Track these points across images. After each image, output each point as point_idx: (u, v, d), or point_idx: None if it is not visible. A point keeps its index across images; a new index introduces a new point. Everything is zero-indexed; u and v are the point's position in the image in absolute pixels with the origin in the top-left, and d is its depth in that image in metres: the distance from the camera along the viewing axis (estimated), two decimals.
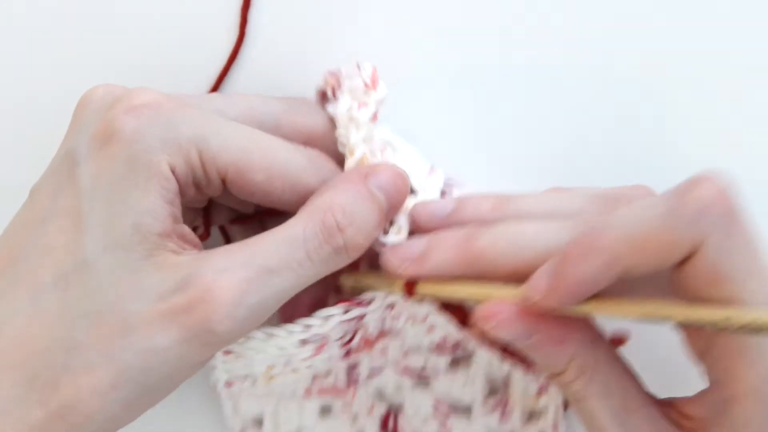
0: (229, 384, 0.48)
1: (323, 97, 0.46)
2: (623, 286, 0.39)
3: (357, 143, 0.43)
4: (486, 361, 0.50)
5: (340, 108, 0.43)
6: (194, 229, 0.47)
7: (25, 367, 0.37)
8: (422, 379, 0.51)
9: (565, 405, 0.51)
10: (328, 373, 0.50)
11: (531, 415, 0.51)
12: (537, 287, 0.39)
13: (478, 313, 0.40)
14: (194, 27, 0.50)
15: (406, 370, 0.50)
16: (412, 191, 0.44)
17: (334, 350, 0.45)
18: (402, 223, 0.43)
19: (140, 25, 0.50)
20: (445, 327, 0.45)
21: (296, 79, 0.49)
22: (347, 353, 0.46)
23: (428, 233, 0.43)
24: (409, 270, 0.42)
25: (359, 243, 0.40)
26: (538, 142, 0.50)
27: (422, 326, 0.46)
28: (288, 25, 0.50)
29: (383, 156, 0.44)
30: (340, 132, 0.43)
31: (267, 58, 0.50)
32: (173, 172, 0.39)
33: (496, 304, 0.40)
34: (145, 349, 0.37)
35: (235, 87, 0.50)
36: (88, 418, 0.36)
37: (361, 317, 0.44)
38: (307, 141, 0.43)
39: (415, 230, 0.43)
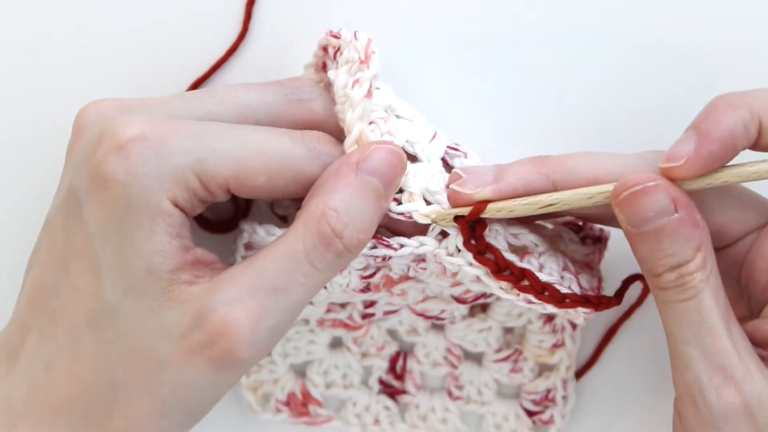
0: None
1: (324, 52, 0.45)
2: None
3: (353, 122, 0.42)
4: (505, 311, 0.50)
5: (337, 83, 0.43)
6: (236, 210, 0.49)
7: (78, 402, 0.39)
8: (439, 321, 0.50)
9: (577, 374, 0.51)
10: (344, 306, 0.49)
11: (542, 370, 0.51)
12: (681, 152, 0.39)
13: (629, 180, 0.40)
14: (200, 20, 0.49)
15: (423, 314, 0.50)
16: (416, 158, 0.44)
17: (354, 280, 0.44)
18: (413, 188, 0.42)
19: (148, 16, 0.49)
20: (474, 283, 0.44)
21: (293, 72, 0.48)
22: (366, 287, 0.45)
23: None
24: (485, 191, 0.42)
25: (360, 240, 0.40)
26: (540, 105, 0.50)
27: (448, 280, 0.45)
28: (291, 21, 0.49)
29: (386, 125, 0.43)
30: (338, 108, 0.43)
31: (267, 52, 0.50)
32: (176, 203, 0.39)
33: (642, 173, 0.40)
34: (180, 382, 0.39)
35: (233, 77, 0.50)
36: None
37: (387, 258, 0.43)
38: (307, 126, 0.43)
39: (455, 203, 0.42)
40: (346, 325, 0.50)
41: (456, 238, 0.42)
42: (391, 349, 0.52)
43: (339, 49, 0.44)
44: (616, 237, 0.47)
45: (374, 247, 0.42)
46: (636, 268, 0.42)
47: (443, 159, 0.45)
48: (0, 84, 0.50)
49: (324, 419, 0.52)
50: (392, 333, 0.52)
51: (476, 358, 0.52)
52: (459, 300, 0.48)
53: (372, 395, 0.52)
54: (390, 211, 0.42)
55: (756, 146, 0.40)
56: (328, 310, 0.49)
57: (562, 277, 0.43)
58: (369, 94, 0.42)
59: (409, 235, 0.43)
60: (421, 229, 0.43)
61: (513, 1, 0.49)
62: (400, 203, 0.42)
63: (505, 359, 0.51)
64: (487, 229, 0.42)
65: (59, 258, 0.40)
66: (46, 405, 0.40)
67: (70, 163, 0.41)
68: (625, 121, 0.50)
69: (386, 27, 0.49)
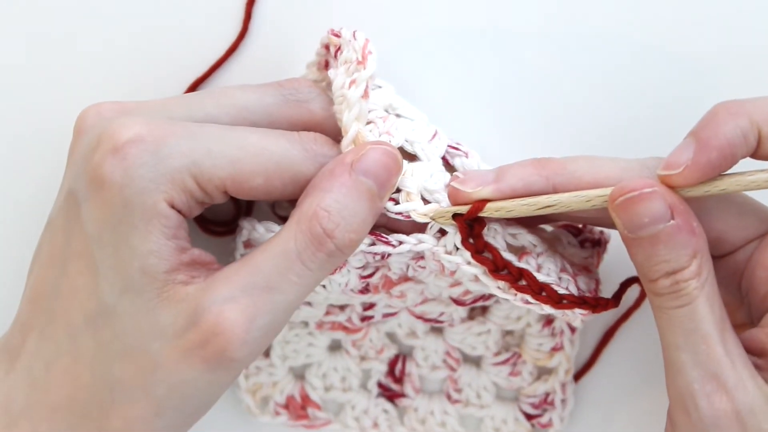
0: None
1: (327, 50, 0.45)
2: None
3: (349, 122, 0.42)
4: (504, 314, 0.50)
5: (335, 84, 0.43)
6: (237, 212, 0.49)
7: (77, 401, 0.40)
8: (438, 324, 0.50)
9: (576, 377, 0.51)
10: (343, 309, 0.49)
11: (541, 373, 0.51)
12: (680, 160, 0.39)
13: (625, 186, 0.39)
14: (200, 19, 0.50)
15: (422, 316, 0.50)
16: (416, 157, 0.44)
17: (353, 279, 0.44)
18: (410, 187, 0.42)
19: (148, 16, 0.49)
20: (472, 282, 0.44)
21: (293, 72, 0.48)
22: (365, 288, 0.45)
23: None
24: (485, 190, 0.42)
25: (352, 240, 0.40)
26: (540, 104, 0.50)
27: (447, 280, 0.45)
28: (291, 21, 0.50)
29: (385, 125, 0.43)
30: (336, 109, 0.43)
31: (267, 52, 0.50)
32: (172, 205, 0.39)
33: (639, 179, 0.40)
34: (176, 382, 0.39)
35: (232, 78, 0.50)
36: None
37: (385, 256, 0.43)
38: (305, 127, 0.43)
39: (455, 201, 0.42)
40: (345, 328, 0.50)
41: (454, 236, 0.42)
42: (390, 352, 0.52)
43: (339, 48, 0.44)
44: (615, 240, 0.47)
45: (373, 244, 0.42)
46: (634, 271, 0.42)
47: (444, 158, 0.45)
48: (1, 85, 0.50)
49: (323, 422, 0.52)
50: (391, 336, 0.52)
51: (475, 362, 0.52)
52: (458, 302, 0.48)
53: (371, 398, 0.52)
54: (387, 210, 0.42)
55: (756, 155, 0.40)
56: (327, 313, 0.49)
57: (559, 278, 0.43)
58: (365, 94, 0.42)
59: (408, 234, 0.43)
60: (420, 229, 0.43)
61: (511, 1, 0.49)
62: (398, 203, 0.42)
63: (504, 362, 0.51)
64: (485, 228, 0.42)
65: (59, 258, 0.40)
66: (45, 404, 0.40)
67: (70, 165, 0.41)
68: (625, 119, 0.50)
69: (387, 26, 0.50)
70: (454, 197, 0.42)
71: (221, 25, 0.49)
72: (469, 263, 0.43)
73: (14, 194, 0.50)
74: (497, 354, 0.51)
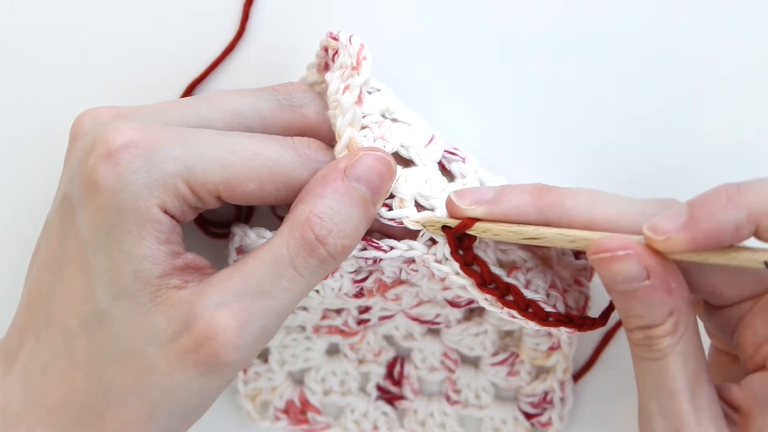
0: None
1: (326, 53, 0.46)
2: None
3: (343, 128, 0.42)
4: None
5: (330, 89, 0.43)
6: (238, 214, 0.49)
7: (73, 404, 0.40)
8: (434, 326, 0.50)
9: (575, 376, 0.51)
10: (339, 312, 0.49)
11: (539, 372, 0.51)
12: (666, 229, 0.38)
13: (600, 245, 0.39)
14: (197, 20, 0.50)
15: (418, 318, 0.50)
16: (411, 163, 0.44)
17: (347, 283, 0.44)
18: (403, 194, 0.42)
19: (145, 16, 0.49)
20: (462, 290, 0.44)
21: (289, 73, 0.49)
22: (359, 292, 0.45)
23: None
24: (479, 210, 0.41)
25: (344, 246, 0.40)
26: (538, 108, 0.50)
27: (439, 284, 0.45)
28: (288, 22, 0.50)
29: (380, 130, 0.43)
30: (330, 114, 0.43)
31: (265, 52, 0.50)
32: (165, 210, 0.39)
33: (622, 238, 0.39)
34: (169, 386, 0.39)
35: (230, 79, 0.50)
36: None
37: (377, 260, 0.43)
38: (299, 132, 0.43)
39: (450, 213, 0.42)
40: (341, 332, 0.50)
41: (444, 247, 0.42)
42: (388, 354, 0.52)
43: (337, 51, 0.44)
44: None
45: (364, 248, 0.43)
46: None
47: (440, 163, 0.45)
48: None
49: (323, 426, 0.52)
50: (388, 338, 0.52)
51: (473, 362, 0.52)
52: (453, 304, 0.48)
53: (370, 401, 0.52)
54: (381, 216, 0.42)
55: (754, 237, 0.39)
56: (324, 317, 0.50)
57: (548, 295, 0.43)
58: (359, 100, 0.42)
59: (401, 239, 0.43)
60: (413, 234, 0.43)
61: (514, 5, 0.49)
62: (391, 209, 0.42)
63: (502, 362, 0.51)
64: (477, 241, 0.42)
65: (55, 262, 0.41)
66: (42, 406, 0.40)
67: (66, 169, 0.42)
68: (624, 121, 0.50)
69: (385, 28, 0.49)
70: (450, 209, 0.42)
71: (218, 26, 0.49)
72: (457, 274, 0.43)
73: (13, 196, 0.50)
74: (495, 354, 0.51)
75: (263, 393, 0.52)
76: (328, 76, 0.44)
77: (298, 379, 0.52)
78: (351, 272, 0.44)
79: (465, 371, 0.51)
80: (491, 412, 0.51)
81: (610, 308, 0.45)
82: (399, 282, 0.46)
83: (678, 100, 0.49)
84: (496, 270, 0.43)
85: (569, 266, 0.47)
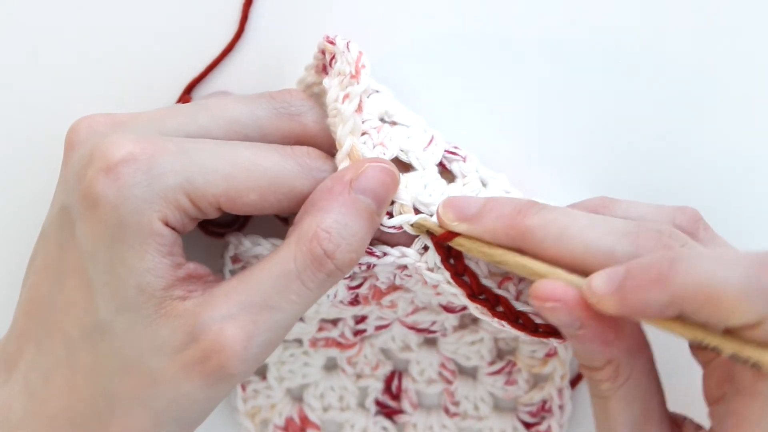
0: None
1: (323, 55, 0.46)
2: None
3: (343, 136, 0.42)
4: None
5: (329, 96, 0.44)
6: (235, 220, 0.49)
7: (76, 413, 0.40)
8: (430, 334, 0.50)
9: (573, 382, 0.51)
10: (335, 324, 0.50)
11: (537, 380, 0.51)
12: (598, 290, 0.38)
13: (535, 291, 0.39)
14: (197, 20, 0.50)
15: (414, 326, 0.50)
16: (411, 167, 0.44)
17: (341, 290, 0.45)
18: (404, 200, 0.43)
19: (144, 15, 0.50)
20: (452, 297, 0.44)
21: (288, 74, 0.49)
22: (355, 299, 0.46)
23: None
24: (460, 227, 0.42)
25: (351, 260, 0.40)
26: (538, 109, 0.50)
27: (431, 290, 0.46)
28: (287, 23, 0.50)
29: (379, 136, 0.44)
30: (330, 121, 0.44)
31: (264, 53, 0.50)
32: (166, 223, 0.39)
33: (556, 288, 0.39)
34: (175, 396, 0.39)
35: (229, 79, 0.50)
36: None
37: (371, 266, 0.43)
38: (298, 141, 0.43)
39: (438, 222, 0.42)
40: (338, 344, 0.50)
41: (435, 255, 0.43)
42: (386, 368, 0.52)
43: (334, 56, 0.44)
44: None
45: None
46: None
47: (441, 163, 0.45)
48: None
49: None
50: (385, 352, 0.52)
51: (470, 373, 0.52)
52: (448, 309, 0.48)
53: (369, 417, 0.52)
54: (382, 225, 0.43)
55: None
56: (320, 329, 0.50)
57: None
58: (359, 109, 0.43)
59: (400, 245, 0.43)
60: (408, 241, 0.43)
61: (513, 6, 0.49)
62: (391, 215, 0.43)
63: (499, 372, 0.51)
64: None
65: (54, 271, 0.41)
66: (44, 415, 0.40)
67: (63, 179, 0.42)
68: (626, 123, 0.50)
69: (383, 30, 0.49)
70: (438, 218, 0.42)
71: (218, 26, 0.50)
72: (448, 283, 0.43)
73: (9, 199, 0.50)
74: (492, 363, 0.51)
75: (262, 411, 0.52)
76: (326, 81, 0.44)
77: (296, 395, 0.52)
78: (346, 278, 0.44)
79: (463, 382, 0.52)
80: (490, 423, 0.51)
81: None
82: (394, 288, 0.46)
83: (680, 101, 0.49)
84: (487, 282, 0.43)
85: None
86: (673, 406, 0.44)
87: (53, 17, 0.50)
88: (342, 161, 0.42)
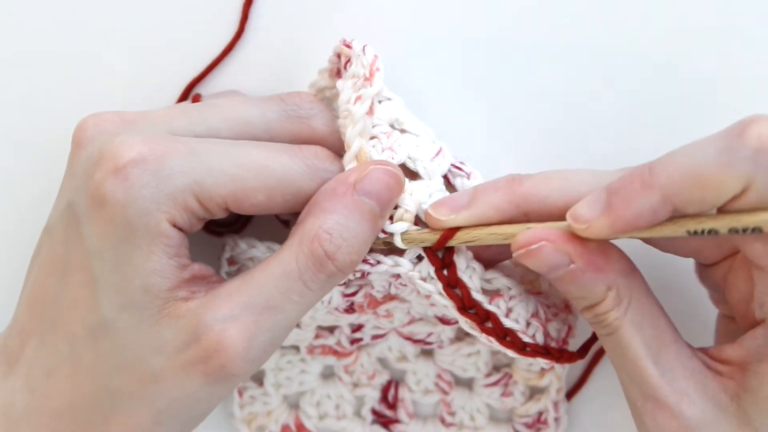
0: None
1: (339, 59, 0.46)
2: None
3: (352, 138, 0.42)
4: None
5: (341, 98, 0.44)
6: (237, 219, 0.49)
7: (78, 409, 0.41)
8: (427, 346, 0.51)
9: (568, 395, 0.51)
10: (332, 331, 0.50)
11: (533, 392, 0.51)
12: (584, 216, 0.39)
13: (518, 242, 0.40)
14: (197, 20, 0.50)
15: (411, 337, 0.50)
16: (418, 175, 0.44)
17: (336, 297, 0.45)
18: (408, 205, 0.42)
19: (145, 15, 0.50)
20: (444, 309, 0.45)
21: (288, 73, 0.50)
22: (350, 307, 0.46)
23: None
24: (458, 218, 0.42)
25: (352, 261, 0.41)
26: (541, 116, 0.50)
27: (426, 300, 0.46)
28: (288, 22, 0.50)
29: (388, 140, 0.44)
30: (340, 123, 0.44)
31: (263, 54, 0.50)
32: (174, 224, 0.40)
33: (537, 231, 0.40)
34: (176, 395, 0.40)
35: (229, 79, 0.50)
36: None
37: (365, 274, 0.44)
38: (306, 143, 0.43)
39: (431, 226, 0.42)
40: (335, 352, 0.51)
41: (429, 265, 0.43)
42: (383, 378, 0.52)
43: (349, 59, 0.45)
44: None
45: None
46: None
47: (446, 177, 0.45)
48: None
49: None
50: (382, 361, 0.52)
51: (467, 384, 0.52)
52: (443, 321, 0.48)
53: (365, 426, 0.52)
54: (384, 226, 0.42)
55: (678, 213, 0.39)
56: (317, 336, 0.50)
57: (528, 324, 0.43)
58: (371, 111, 0.43)
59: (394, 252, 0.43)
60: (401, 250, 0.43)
61: (517, 12, 0.50)
62: (392, 220, 0.42)
63: (496, 383, 0.51)
64: (464, 264, 0.43)
65: (59, 267, 0.41)
66: (46, 410, 0.41)
67: (70, 177, 0.42)
68: (626, 131, 0.50)
69: (387, 31, 0.50)
70: (430, 222, 0.42)
71: (218, 26, 0.50)
72: (440, 294, 0.43)
73: (14, 197, 0.51)
74: (488, 375, 0.51)
75: (259, 417, 0.52)
76: (339, 84, 0.44)
77: (293, 402, 0.52)
78: (340, 285, 0.44)
79: (459, 393, 0.52)
80: None
81: (590, 341, 0.45)
82: (390, 297, 0.46)
83: (682, 103, 0.50)
84: (478, 296, 0.43)
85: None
86: None
87: (54, 16, 0.50)
88: (350, 162, 0.42)
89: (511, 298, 0.44)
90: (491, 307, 0.43)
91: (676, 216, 0.38)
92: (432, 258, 0.42)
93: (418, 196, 0.43)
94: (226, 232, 0.48)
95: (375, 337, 0.50)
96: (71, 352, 0.41)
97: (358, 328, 0.50)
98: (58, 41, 0.50)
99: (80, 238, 0.40)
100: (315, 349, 0.50)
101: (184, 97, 0.50)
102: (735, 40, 0.49)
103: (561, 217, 0.40)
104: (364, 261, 0.43)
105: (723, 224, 0.38)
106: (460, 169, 0.45)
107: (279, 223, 0.49)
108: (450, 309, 0.43)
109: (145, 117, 0.42)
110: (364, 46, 0.44)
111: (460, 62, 0.50)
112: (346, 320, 0.48)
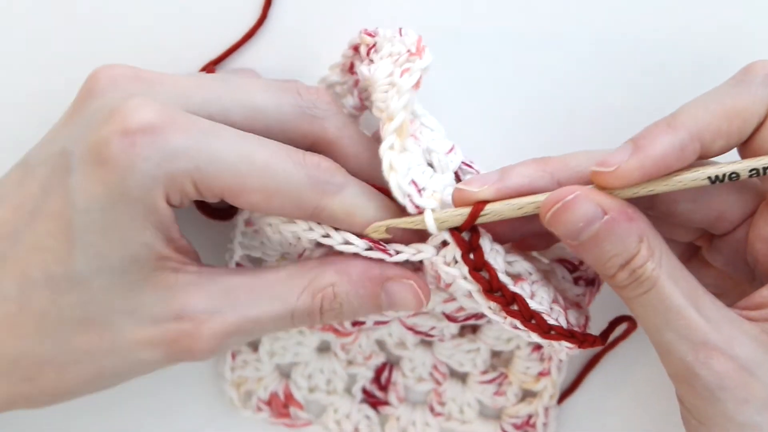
0: (238, 266, 0.47)
1: (355, 52, 0.45)
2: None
3: (397, 110, 0.41)
4: (495, 334, 0.50)
5: (379, 73, 0.43)
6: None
7: (8, 346, 0.40)
8: (428, 338, 0.50)
9: (559, 399, 0.51)
10: None
11: (525, 395, 0.51)
12: (614, 160, 0.39)
13: (550, 199, 0.40)
14: (223, 4, 0.50)
15: (413, 328, 0.50)
16: (432, 167, 0.44)
17: None
18: (436, 188, 0.42)
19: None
20: (466, 298, 0.44)
21: (305, 64, 0.49)
22: None
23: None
24: (490, 190, 0.41)
25: (334, 321, 0.43)
26: (544, 110, 0.50)
27: (441, 295, 0.45)
28: (310, 10, 0.50)
29: (412, 126, 0.43)
30: (378, 97, 0.42)
31: (282, 42, 0.50)
32: (168, 202, 0.40)
33: (567, 187, 0.40)
34: (130, 359, 0.41)
35: (250, 63, 0.50)
36: (64, 396, 0.42)
37: (381, 262, 0.43)
38: (315, 143, 0.43)
39: (459, 203, 0.42)
40: (336, 330, 0.50)
41: (455, 249, 0.42)
42: (378, 359, 0.52)
43: (374, 46, 0.44)
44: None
45: (369, 248, 0.42)
46: (624, 310, 0.43)
47: (456, 173, 0.45)
48: (17, 54, 0.50)
49: (303, 423, 0.52)
50: (381, 344, 0.52)
51: (461, 377, 0.52)
52: (450, 318, 0.48)
53: (354, 403, 0.52)
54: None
55: (704, 157, 0.41)
56: None
57: (551, 308, 0.43)
58: (417, 85, 0.42)
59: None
60: (422, 239, 0.43)
61: (518, 7, 0.50)
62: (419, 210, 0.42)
63: (490, 381, 0.51)
64: (488, 247, 0.42)
65: (28, 207, 0.40)
66: None
67: (71, 123, 0.41)
68: (631, 125, 0.48)
69: (405, 17, 0.50)
70: (459, 198, 0.42)
71: (242, 11, 0.49)
72: (465, 278, 0.42)
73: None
74: (484, 372, 0.51)
75: (248, 382, 0.52)
76: (363, 68, 0.43)
77: (285, 372, 0.52)
78: None
79: (452, 385, 0.51)
80: (473, 428, 0.52)
81: (610, 328, 0.46)
82: None
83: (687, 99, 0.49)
84: (504, 278, 0.42)
85: (568, 291, 0.47)
86: None
87: None
88: (390, 134, 0.41)
89: (533, 282, 0.44)
90: (516, 289, 0.42)
91: (696, 164, 0.40)
92: (459, 241, 0.42)
93: (435, 186, 0.42)
94: (224, 216, 0.48)
95: (378, 323, 0.49)
96: (20, 293, 0.40)
97: None
98: (80, 19, 0.49)
99: (65, 189, 0.39)
100: (315, 325, 0.50)
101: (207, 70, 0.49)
102: (741, 32, 0.50)
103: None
104: (383, 250, 0.42)
105: (743, 167, 0.39)
106: (470, 166, 0.45)
107: None
108: (475, 293, 0.42)
109: (161, 81, 0.41)
110: (400, 29, 0.43)
111: (465, 56, 0.50)
112: None
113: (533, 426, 0.51)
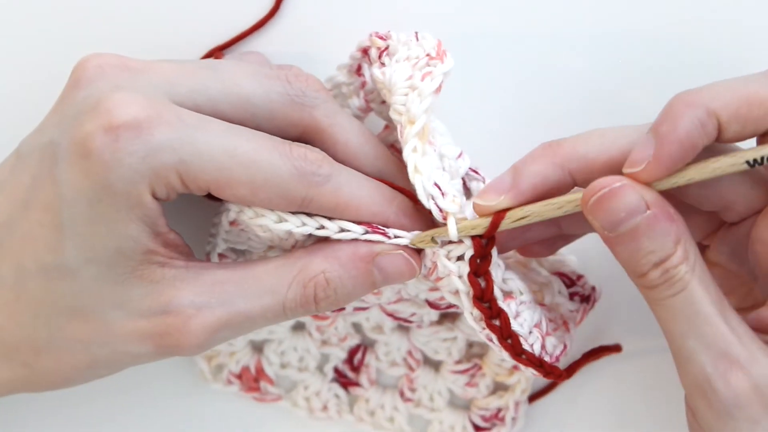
0: (221, 257, 0.46)
1: (364, 54, 0.44)
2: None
3: (419, 113, 0.41)
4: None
5: (397, 75, 0.42)
6: None
7: (6, 332, 0.41)
8: (407, 323, 0.50)
9: (530, 398, 0.51)
10: None
11: (497, 388, 0.51)
12: (639, 156, 0.39)
13: (594, 186, 0.39)
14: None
15: (393, 314, 0.49)
16: (444, 170, 0.43)
17: None
18: (456, 192, 0.41)
19: None
20: (450, 294, 0.43)
21: (318, 51, 0.49)
22: None
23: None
24: (508, 197, 0.41)
25: (330, 309, 0.43)
26: (542, 106, 0.50)
27: (428, 283, 0.45)
28: (320, 9, 0.49)
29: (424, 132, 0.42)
30: (397, 100, 0.42)
31: (292, 34, 0.50)
32: (154, 195, 0.39)
33: (607, 177, 0.39)
34: (120, 350, 0.41)
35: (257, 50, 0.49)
36: (62, 383, 0.43)
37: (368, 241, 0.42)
38: (305, 131, 0.43)
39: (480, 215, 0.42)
40: (314, 315, 0.49)
41: (467, 249, 0.41)
42: (353, 341, 0.51)
43: (386, 49, 0.43)
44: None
45: (366, 232, 0.42)
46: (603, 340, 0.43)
47: (462, 179, 0.44)
48: (20, 37, 0.50)
49: (273, 398, 0.52)
50: (357, 326, 0.51)
51: (435, 365, 0.51)
52: (433, 305, 0.47)
53: (325, 382, 0.52)
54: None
55: (719, 140, 0.40)
56: None
57: (530, 332, 0.43)
58: (439, 89, 0.41)
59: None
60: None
61: (518, 7, 0.49)
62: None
63: (464, 372, 0.51)
64: (494, 259, 0.42)
65: (21, 197, 0.40)
66: None
67: (59, 114, 0.40)
68: (630, 118, 0.48)
69: (416, 18, 0.49)
70: (479, 211, 0.41)
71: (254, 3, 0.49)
72: (460, 277, 0.42)
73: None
74: (458, 362, 0.51)
75: (220, 356, 0.51)
76: (375, 71, 0.43)
77: (257, 348, 0.52)
78: None
79: (425, 372, 0.51)
80: (441, 416, 0.52)
81: (580, 363, 0.46)
82: None
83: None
84: (498, 292, 0.42)
85: (562, 306, 0.46)
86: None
87: None
88: (411, 138, 0.41)
89: (521, 303, 0.43)
90: (504, 306, 0.42)
91: (731, 150, 0.39)
92: (477, 245, 0.41)
93: (454, 191, 0.42)
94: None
95: (358, 309, 0.49)
96: (16, 281, 0.40)
97: None
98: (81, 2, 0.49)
99: (52, 179, 0.39)
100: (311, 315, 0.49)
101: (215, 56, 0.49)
102: (742, 31, 0.49)
103: (604, 173, 0.40)
104: (383, 233, 0.42)
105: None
106: (476, 172, 0.45)
107: None
108: (463, 295, 0.42)
109: (149, 70, 0.41)
110: (416, 32, 0.43)
111: (467, 57, 0.49)
112: None
113: (502, 420, 0.51)
